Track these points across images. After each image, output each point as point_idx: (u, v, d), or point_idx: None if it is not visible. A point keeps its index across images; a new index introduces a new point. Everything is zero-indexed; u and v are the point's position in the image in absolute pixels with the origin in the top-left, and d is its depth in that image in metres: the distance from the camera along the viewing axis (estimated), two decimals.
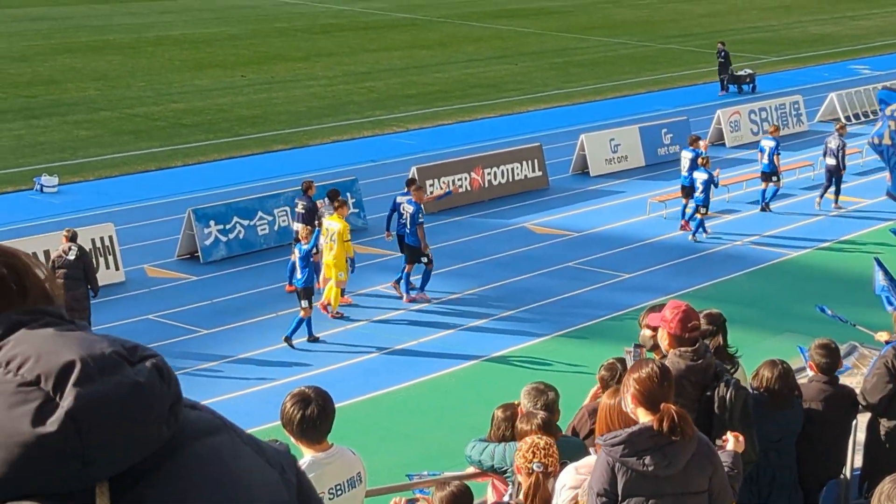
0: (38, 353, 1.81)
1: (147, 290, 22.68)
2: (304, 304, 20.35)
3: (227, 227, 24.80)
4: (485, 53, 48.48)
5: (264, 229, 25.42)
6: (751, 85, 43.23)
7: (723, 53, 42.69)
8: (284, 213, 25.73)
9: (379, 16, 57.13)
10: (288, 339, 20.39)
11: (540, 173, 30.71)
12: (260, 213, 25.44)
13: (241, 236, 25.00)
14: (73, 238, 20.00)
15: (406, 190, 23.75)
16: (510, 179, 29.99)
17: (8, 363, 1.80)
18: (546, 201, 29.48)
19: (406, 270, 22.70)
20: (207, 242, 24.43)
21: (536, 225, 27.56)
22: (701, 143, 27.97)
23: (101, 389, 1.79)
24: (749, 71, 43.74)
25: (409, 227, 22.59)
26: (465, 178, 28.75)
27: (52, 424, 1.77)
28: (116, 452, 1.81)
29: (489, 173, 29.50)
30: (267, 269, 24.13)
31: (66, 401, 1.77)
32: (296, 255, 20.85)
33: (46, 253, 22.19)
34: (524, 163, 30.42)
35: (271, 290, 22.88)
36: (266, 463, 1.98)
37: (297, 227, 22.33)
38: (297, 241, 21.34)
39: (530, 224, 27.62)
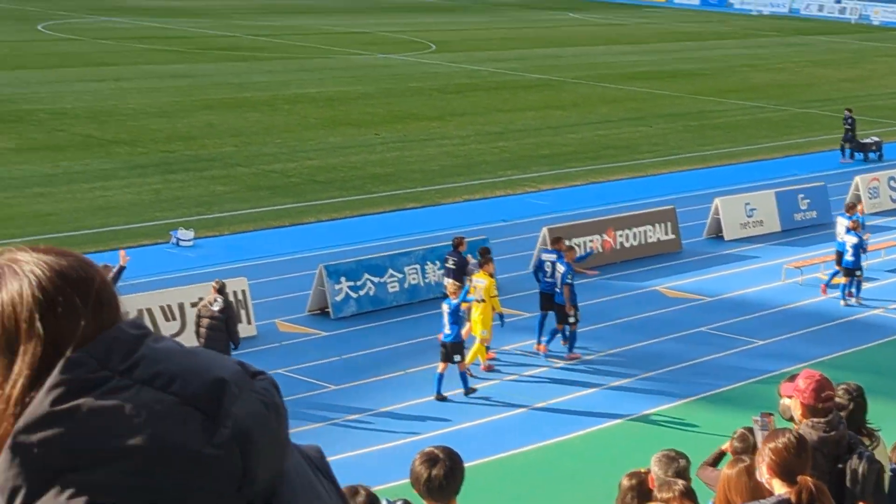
0: (182, 371, 1.77)
1: (278, 345, 22.84)
2: (457, 357, 20.58)
3: (358, 283, 24.91)
4: (619, 115, 48.32)
5: (394, 287, 25.48)
6: (877, 153, 42.01)
7: (850, 120, 41.62)
8: (415, 270, 25.79)
9: (512, 76, 57.31)
10: (468, 391, 20.67)
11: (673, 236, 30.40)
12: (390, 271, 25.50)
13: (371, 293, 25.07)
14: (220, 290, 20.44)
15: (551, 248, 23.90)
16: (643, 242, 29.73)
17: (153, 380, 1.75)
18: (679, 265, 29.14)
19: (559, 328, 22.78)
20: (338, 298, 24.55)
21: (669, 288, 27.25)
22: (858, 207, 27.70)
23: (251, 409, 1.78)
24: (875, 139, 42.67)
25: (559, 286, 22.71)
26: (597, 240, 28.55)
27: (218, 445, 1.73)
28: (266, 472, 1.80)
29: (621, 235, 29.27)
30: (396, 326, 24.17)
31: (229, 420, 1.74)
32: (444, 311, 20.91)
33: (181, 306, 22.56)
34: (657, 225, 30.14)
35: (400, 348, 22.91)
36: (316, 468, 1.97)
37: (447, 282, 22.54)
38: (447, 296, 21.48)
39: (662, 287, 27.31)
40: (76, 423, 1.71)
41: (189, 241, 28.20)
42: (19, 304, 1.80)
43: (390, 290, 25.41)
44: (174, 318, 22.51)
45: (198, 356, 1.82)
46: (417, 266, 25.86)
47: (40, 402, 1.73)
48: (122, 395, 1.73)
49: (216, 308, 20.11)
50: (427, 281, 25.88)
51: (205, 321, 20.17)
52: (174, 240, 28.19)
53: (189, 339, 22.12)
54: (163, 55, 57.27)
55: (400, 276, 25.60)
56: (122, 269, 20.40)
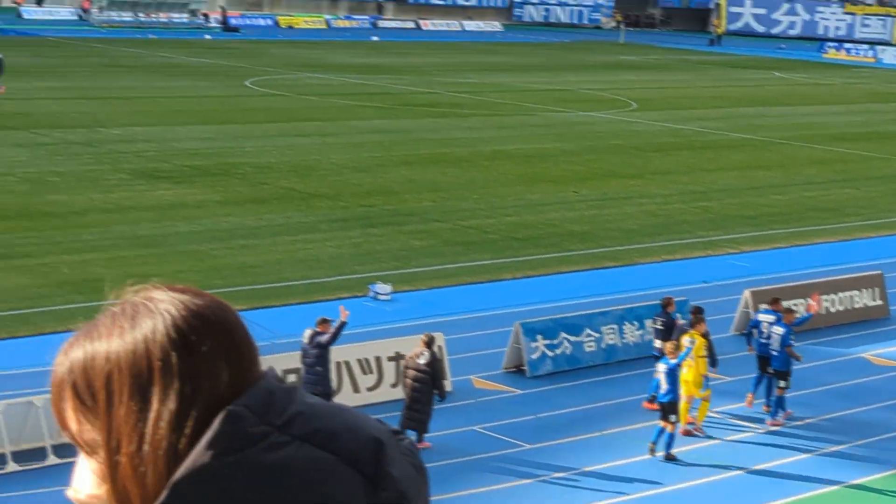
0: (339, 428, 1.74)
1: (473, 401, 22.71)
2: (673, 418, 20.43)
3: (554, 342, 24.66)
4: (826, 176, 47.18)
5: (591, 346, 25.16)
6: None
7: None
8: (612, 330, 25.44)
9: (716, 135, 56.51)
10: (669, 456, 20.43)
11: (881, 302, 29.40)
12: (587, 330, 25.19)
13: (567, 352, 24.80)
14: (429, 343, 20.71)
15: (769, 308, 23.57)
16: (849, 307, 28.83)
17: (312, 436, 1.71)
18: (887, 332, 28.18)
19: (779, 393, 22.45)
20: (534, 356, 24.33)
21: (876, 356, 26.33)
22: None
23: (405, 471, 1.75)
24: None
25: (777, 348, 22.46)
26: (801, 304, 27.76)
27: None
28: None
29: (827, 300, 28.38)
30: (593, 386, 23.89)
31: (389, 483, 1.72)
32: (661, 371, 20.75)
33: (377, 359, 22.63)
34: (864, 290, 29.22)
35: (597, 408, 22.62)
36: None
37: (658, 343, 22.67)
38: (661, 356, 21.46)
39: (869, 355, 26.42)
40: (239, 478, 1.67)
41: (387, 295, 28.30)
42: (153, 343, 1.75)
43: (587, 349, 25.11)
44: (371, 372, 22.59)
45: (348, 413, 1.79)
46: (615, 326, 25.52)
47: (201, 454, 1.68)
48: (283, 452, 1.69)
49: (422, 361, 20.38)
50: (625, 341, 25.51)
51: (411, 373, 20.46)
52: (372, 293, 28.32)
53: (384, 393, 22.24)
54: (364, 111, 58.08)
55: (597, 335, 25.28)
56: (343, 324, 20.65)
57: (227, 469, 1.67)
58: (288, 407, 1.74)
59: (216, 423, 1.70)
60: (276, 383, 1.78)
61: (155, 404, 1.73)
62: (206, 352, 1.75)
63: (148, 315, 1.77)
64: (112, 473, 1.75)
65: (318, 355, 20.47)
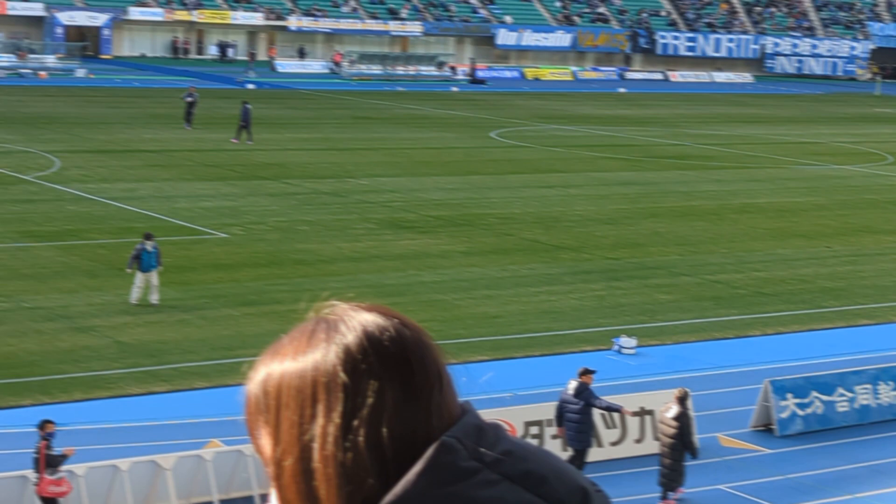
0: (549, 473, 1.73)
1: (719, 460, 22.11)
2: None
3: (805, 401, 23.85)
4: None
5: (844, 406, 24.26)
6: None
7: None
8: (866, 390, 24.51)
9: None
10: None
11: None
12: (840, 390, 24.31)
13: (818, 412, 23.96)
14: (681, 398, 20.33)
15: None
16: None
17: (523, 478, 1.71)
18: None
19: None
20: (783, 415, 23.57)
21: None
22: None
23: None
24: None
25: None
26: None
27: None
28: None
29: None
30: (844, 447, 23.04)
31: None
32: None
33: (621, 415, 22.23)
34: None
35: (849, 470, 21.83)
36: None
37: None
38: None
39: None
40: None
41: (631, 349, 27.87)
42: (322, 362, 1.79)
43: (839, 409, 24.22)
44: (614, 427, 22.20)
45: (555, 458, 1.78)
46: (869, 386, 24.59)
47: (413, 481, 1.69)
48: (495, 490, 1.69)
49: (669, 415, 20.11)
50: (879, 402, 24.54)
51: (661, 427, 20.32)
52: (616, 347, 27.92)
53: (627, 449, 21.96)
54: (610, 163, 57.77)
55: (850, 395, 24.36)
56: (618, 410, 20.62)
57: (438, 500, 1.68)
58: (496, 444, 1.74)
59: (430, 452, 1.70)
60: (481, 419, 1.78)
61: (320, 420, 1.75)
62: (367, 370, 1.75)
63: (325, 334, 1.82)
64: (277, 486, 1.78)
65: (580, 410, 20.24)
